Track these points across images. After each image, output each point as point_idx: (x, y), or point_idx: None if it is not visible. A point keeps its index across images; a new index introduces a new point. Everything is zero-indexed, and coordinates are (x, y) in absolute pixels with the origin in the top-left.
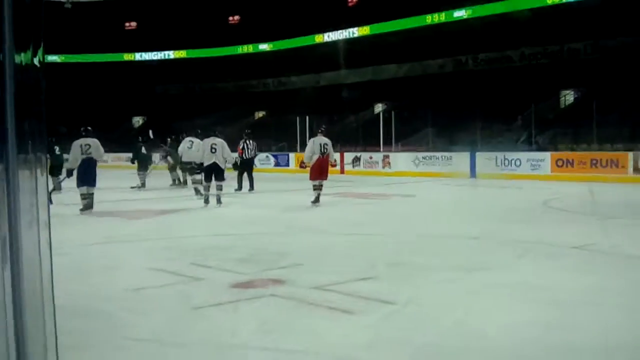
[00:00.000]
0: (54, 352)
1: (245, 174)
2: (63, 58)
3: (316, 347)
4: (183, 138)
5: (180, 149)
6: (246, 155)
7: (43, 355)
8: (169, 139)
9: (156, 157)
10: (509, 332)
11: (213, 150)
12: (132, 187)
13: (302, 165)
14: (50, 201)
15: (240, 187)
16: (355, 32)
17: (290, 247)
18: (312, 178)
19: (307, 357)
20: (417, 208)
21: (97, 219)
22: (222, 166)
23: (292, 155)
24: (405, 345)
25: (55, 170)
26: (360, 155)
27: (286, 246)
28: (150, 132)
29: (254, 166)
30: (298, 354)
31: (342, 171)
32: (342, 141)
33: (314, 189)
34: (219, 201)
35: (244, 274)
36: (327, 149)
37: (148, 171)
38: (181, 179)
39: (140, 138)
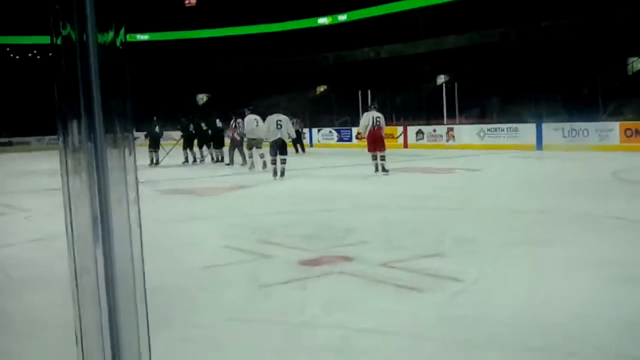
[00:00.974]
0: (146, 331)
1: (236, 150)
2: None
3: (385, 325)
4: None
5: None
6: (238, 133)
7: (135, 334)
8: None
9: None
10: (578, 309)
11: (279, 127)
12: (149, 165)
13: (357, 136)
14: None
15: (231, 162)
16: (413, 2)
17: (355, 223)
18: (370, 150)
19: (376, 336)
20: (483, 182)
21: (167, 197)
22: (287, 141)
23: (355, 130)
24: (475, 323)
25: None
26: (424, 129)
27: (352, 222)
28: (218, 121)
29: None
30: (367, 332)
31: (405, 145)
32: (405, 114)
33: (372, 159)
34: (282, 174)
35: (311, 251)
36: (379, 122)
37: (168, 150)
38: (214, 157)
39: (155, 117)
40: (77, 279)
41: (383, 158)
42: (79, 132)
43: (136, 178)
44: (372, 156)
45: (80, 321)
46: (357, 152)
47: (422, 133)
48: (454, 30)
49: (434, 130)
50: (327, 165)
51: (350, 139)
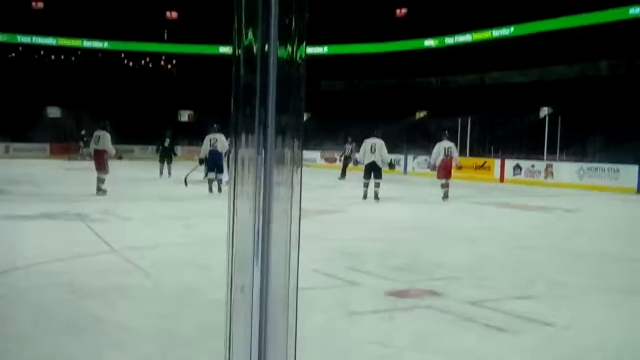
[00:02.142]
0: (293, 350)
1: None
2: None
3: None
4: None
5: None
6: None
7: (284, 352)
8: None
9: None
10: None
11: (372, 150)
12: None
13: (430, 167)
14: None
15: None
16: (521, 29)
17: (446, 257)
18: (438, 177)
19: None
20: (579, 224)
21: None
22: (380, 165)
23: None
24: None
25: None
26: (522, 164)
27: (443, 256)
28: None
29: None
30: None
31: (501, 179)
32: (504, 146)
33: (442, 187)
34: (376, 197)
35: (400, 282)
36: (450, 152)
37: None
38: None
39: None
40: (231, 292)
41: (448, 185)
42: (250, 145)
43: (300, 195)
44: (442, 184)
45: (230, 335)
46: (451, 183)
47: (520, 168)
48: (560, 60)
49: (532, 166)
50: (421, 194)
51: None
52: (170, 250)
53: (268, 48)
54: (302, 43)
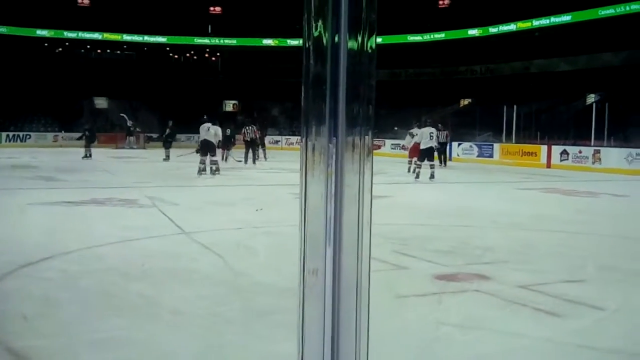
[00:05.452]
0: (366, 332)
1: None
2: (277, 42)
3: (520, 349)
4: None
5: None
6: (248, 137)
7: (355, 335)
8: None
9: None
10: None
11: (431, 137)
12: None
13: (403, 147)
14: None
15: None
16: (566, 18)
17: (494, 242)
18: (419, 159)
19: (509, 358)
20: (629, 209)
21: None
22: (435, 149)
23: (496, 146)
24: (614, 354)
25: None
26: (569, 149)
27: (490, 240)
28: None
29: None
30: (501, 354)
31: (548, 165)
32: (550, 133)
33: (417, 167)
34: (432, 177)
35: (447, 266)
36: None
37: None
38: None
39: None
40: (304, 276)
41: (420, 166)
42: (321, 134)
43: (371, 182)
44: (418, 165)
45: (302, 316)
46: (497, 169)
47: (567, 154)
48: (606, 48)
49: (580, 152)
50: (467, 180)
51: (491, 155)
52: (216, 234)
53: (338, 39)
54: (373, 34)
